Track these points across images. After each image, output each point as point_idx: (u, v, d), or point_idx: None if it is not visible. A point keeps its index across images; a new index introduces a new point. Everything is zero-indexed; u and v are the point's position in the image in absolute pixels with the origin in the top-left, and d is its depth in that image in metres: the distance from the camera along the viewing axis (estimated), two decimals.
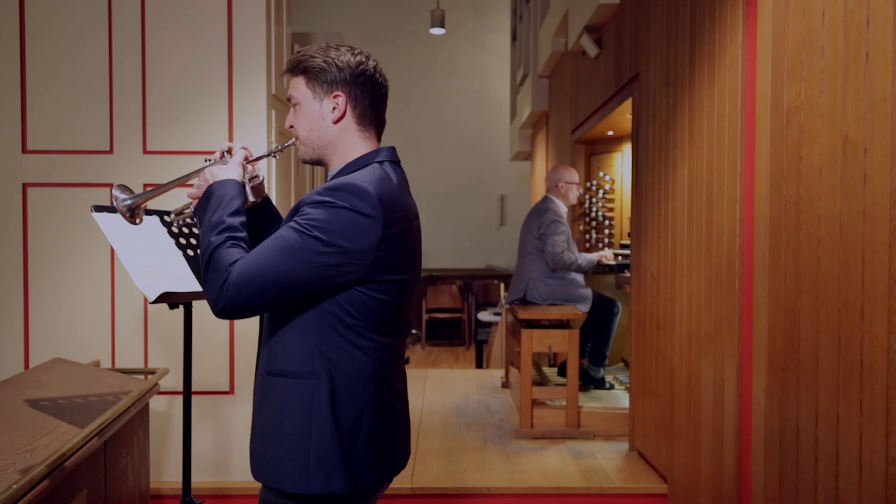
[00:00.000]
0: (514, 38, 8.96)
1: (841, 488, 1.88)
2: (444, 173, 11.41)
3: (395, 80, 11.49)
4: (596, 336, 4.65)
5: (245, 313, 1.49)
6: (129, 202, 1.73)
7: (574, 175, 4.78)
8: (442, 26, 9.58)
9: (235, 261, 1.47)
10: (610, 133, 5.33)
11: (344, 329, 1.52)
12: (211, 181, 1.61)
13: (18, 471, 1.70)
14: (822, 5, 1.97)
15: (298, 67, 1.62)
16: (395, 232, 1.52)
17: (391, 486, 3.27)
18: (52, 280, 3.27)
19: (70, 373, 2.68)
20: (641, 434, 3.73)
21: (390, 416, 1.60)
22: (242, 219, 1.57)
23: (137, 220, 1.77)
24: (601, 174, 5.60)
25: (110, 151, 3.28)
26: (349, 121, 1.62)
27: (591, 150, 5.75)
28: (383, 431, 1.58)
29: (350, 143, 1.62)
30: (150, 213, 2.30)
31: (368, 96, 1.62)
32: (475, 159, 11.44)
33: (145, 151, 3.28)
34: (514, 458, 3.75)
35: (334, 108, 1.60)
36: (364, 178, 1.52)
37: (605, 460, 3.72)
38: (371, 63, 1.63)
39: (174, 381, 3.18)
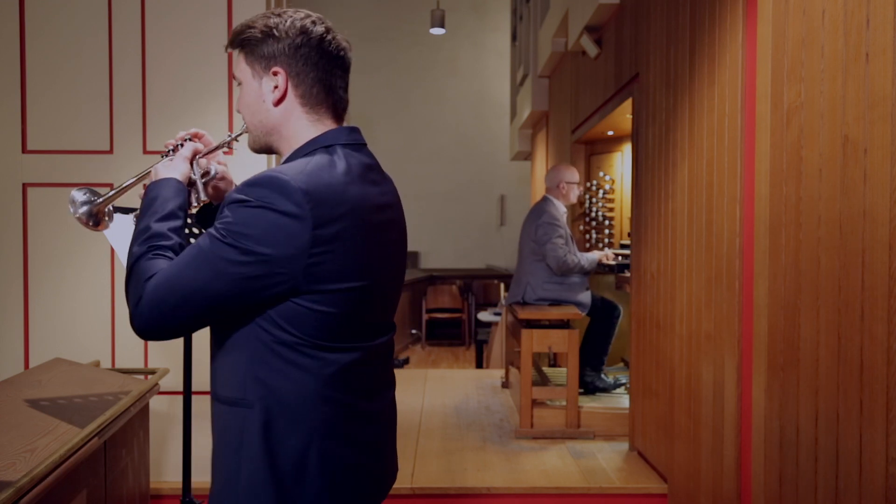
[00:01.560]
0: (514, 38, 8.97)
1: (841, 488, 1.88)
2: (444, 173, 11.42)
3: (395, 81, 11.43)
4: (595, 338, 4.64)
5: (165, 333, 1.28)
6: (86, 208, 1.57)
7: (575, 175, 4.74)
8: (442, 26, 9.58)
9: (153, 275, 1.26)
10: (610, 133, 5.32)
11: (281, 347, 1.28)
12: (153, 180, 1.43)
13: (18, 471, 1.70)
14: (822, 5, 1.97)
15: (236, 40, 1.38)
16: (332, 232, 1.26)
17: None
18: (52, 280, 3.27)
19: (70, 373, 2.68)
20: (641, 434, 3.73)
21: (350, 445, 1.35)
22: (174, 223, 1.35)
23: (102, 225, 1.60)
24: (601, 174, 5.60)
25: (110, 151, 3.28)
26: (292, 101, 1.37)
27: (591, 150, 5.75)
28: (339, 464, 1.33)
29: (296, 127, 1.38)
30: None
31: (314, 70, 1.36)
32: (475, 159, 11.45)
33: (145, 151, 3.28)
34: (514, 458, 3.75)
35: (275, 87, 1.36)
36: (292, 168, 1.27)
37: (605, 460, 3.72)
38: (318, 28, 1.36)
39: (174, 381, 3.18)
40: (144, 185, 1.49)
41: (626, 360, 5.00)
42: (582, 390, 4.51)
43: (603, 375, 4.67)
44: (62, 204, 3.27)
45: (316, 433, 1.30)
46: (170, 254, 1.31)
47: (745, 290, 2.50)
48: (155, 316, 1.25)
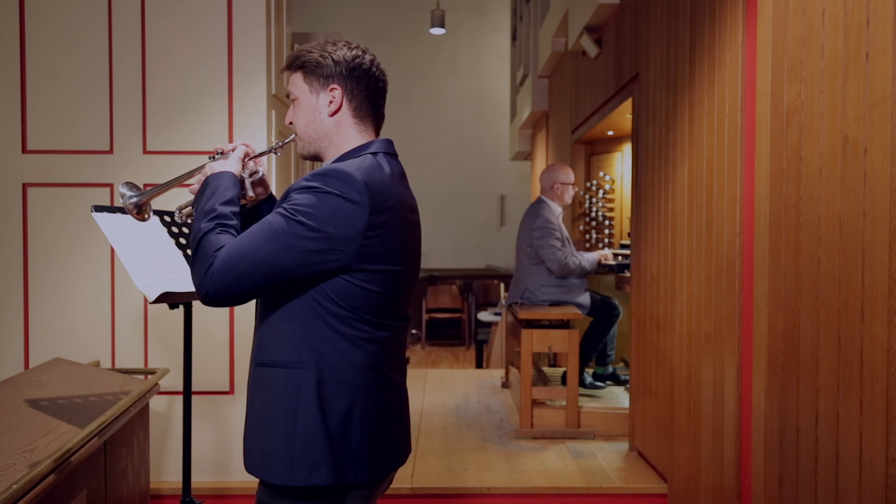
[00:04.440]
0: (514, 38, 8.96)
1: (841, 488, 1.88)
2: (444, 173, 11.41)
3: (395, 81, 11.44)
4: (595, 336, 4.63)
5: (230, 299, 1.47)
6: (135, 199, 1.78)
7: (570, 175, 4.67)
8: (442, 26, 9.58)
9: (222, 246, 1.46)
10: (610, 133, 5.32)
11: (331, 319, 1.50)
12: (209, 174, 1.64)
13: (18, 471, 1.70)
14: (822, 5, 1.97)
15: (296, 63, 1.63)
16: (383, 220, 1.50)
17: (390, 485, 3.28)
18: (52, 280, 3.27)
19: (70, 373, 2.68)
20: (641, 434, 3.73)
21: (384, 410, 1.57)
22: (235, 208, 1.57)
23: (146, 216, 1.81)
24: (601, 174, 5.60)
25: (110, 151, 3.28)
26: (345, 114, 1.62)
27: (591, 150, 5.75)
28: (377, 425, 1.55)
29: (345, 135, 1.63)
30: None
31: (364, 89, 1.63)
32: (475, 159, 11.45)
33: (145, 151, 3.28)
34: (514, 458, 3.75)
35: (331, 102, 1.61)
36: (352, 165, 1.52)
37: (605, 460, 3.72)
38: (367, 57, 1.64)
39: (174, 381, 3.18)
40: (183, 183, 1.73)
41: (626, 360, 5.00)
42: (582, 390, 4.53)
43: (585, 374, 4.66)
44: (62, 204, 3.27)
45: (359, 396, 1.52)
46: (233, 232, 1.52)
47: (745, 290, 2.50)
48: (225, 281, 1.44)
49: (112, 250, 3.25)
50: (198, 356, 3.09)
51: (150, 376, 2.84)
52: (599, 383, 4.70)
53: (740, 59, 2.51)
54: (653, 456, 3.53)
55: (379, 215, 1.49)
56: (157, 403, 3.26)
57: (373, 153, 1.59)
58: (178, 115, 3.27)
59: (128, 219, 2.15)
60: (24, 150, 3.26)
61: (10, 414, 2.11)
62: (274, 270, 1.45)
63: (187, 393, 2.37)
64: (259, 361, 1.57)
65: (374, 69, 1.64)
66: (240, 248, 1.45)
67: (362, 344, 1.52)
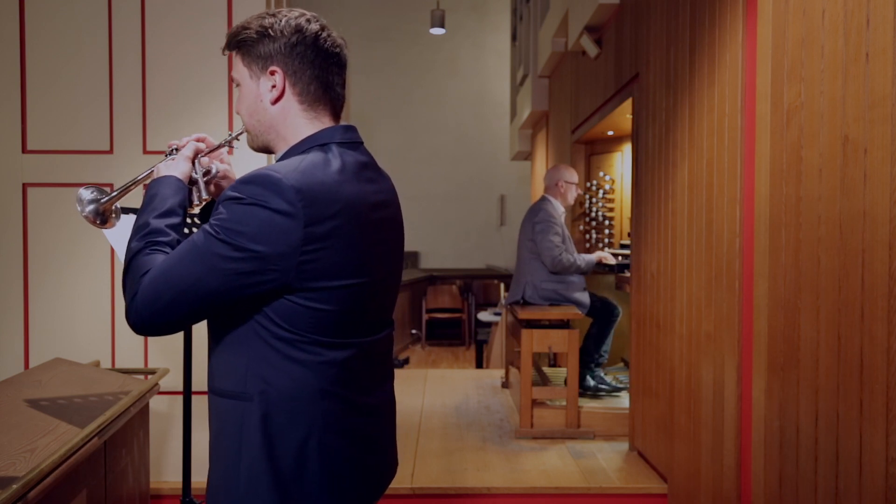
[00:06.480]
0: (514, 38, 8.97)
1: (841, 488, 1.88)
2: (444, 173, 11.42)
3: (395, 81, 11.43)
4: (596, 337, 4.63)
5: (160, 330, 1.29)
6: (93, 206, 1.57)
7: (574, 175, 4.74)
8: (442, 26, 9.59)
9: (148, 270, 1.28)
10: (610, 133, 5.33)
11: (279, 343, 1.30)
12: (153, 178, 1.45)
13: (18, 471, 1.70)
14: (822, 5, 1.97)
15: (233, 42, 1.41)
16: (325, 230, 1.27)
17: (391, 486, 3.27)
18: (52, 280, 3.27)
19: (70, 373, 2.68)
20: (641, 434, 3.73)
21: (348, 439, 1.36)
22: (173, 220, 1.38)
23: (112, 221, 1.62)
24: (601, 174, 5.61)
25: (110, 151, 3.28)
26: (290, 100, 1.39)
27: (591, 150, 5.75)
28: (342, 460, 1.35)
29: (294, 125, 1.40)
30: None
31: (310, 68, 1.38)
32: (475, 159, 11.46)
33: (145, 151, 3.28)
34: (514, 458, 3.75)
35: (272, 87, 1.38)
36: (285, 166, 1.28)
37: (605, 460, 3.72)
38: (313, 27, 1.38)
39: (174, 381, 3.18)
40: (145, 185, 1.52)
41: (626, 360, 5.00)
42: (581, 391, 4.51)
43: (600, 374, 4.64)
44: (62, 204, 3.27)
45: (315, 427, 1.31)
46: (167, 249, 1.33)
47: (745, 290, 2.50)
48: (150, 311, 1.27)
49: (112, 250, 3.25)
50: (198, 356, 3.09)
51: (150, 376, 2.84)
52: (604, 385, 4.69)
53: (740, 59, 2.51)
54: (653, 456, 3.53)
55: (319, 225, 1.26)
56: (157, 403, 3.26)
57: (321, 145, 1.37)
58: (178, 115, 3.27)
59: (128, 219, 2.14)
60: (24, 150, 3.26)
61: (10, 414, 2.11)
62: (203, 297, 1.26)
63: (187, 393, 2.37)
64: (210, 388, 1.40)
65: (321, 41, 1.38)
66: (165, 274, 1.26)
67: (317, 367, 1.31)
